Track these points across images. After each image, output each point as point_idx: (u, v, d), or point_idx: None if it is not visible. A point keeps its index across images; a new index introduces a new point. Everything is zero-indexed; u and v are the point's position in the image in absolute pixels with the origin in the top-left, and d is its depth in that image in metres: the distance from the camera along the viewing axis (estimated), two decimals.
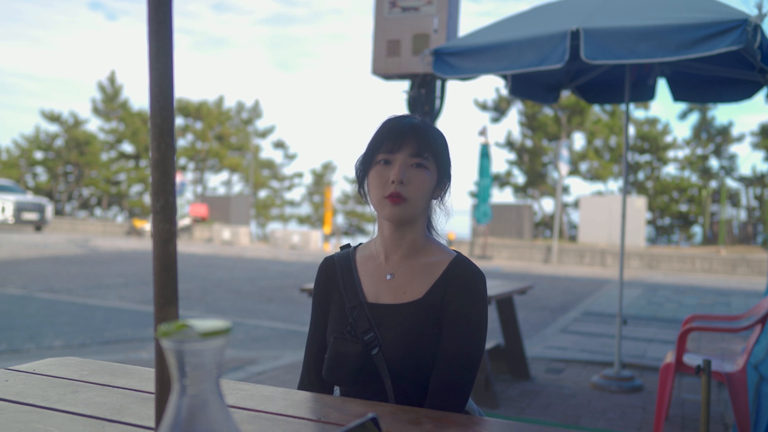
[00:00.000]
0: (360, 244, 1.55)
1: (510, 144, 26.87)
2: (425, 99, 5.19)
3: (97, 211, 34.86)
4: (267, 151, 68.92)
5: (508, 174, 27.37)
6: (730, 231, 22.12)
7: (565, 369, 4.93)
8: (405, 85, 5.32)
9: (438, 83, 5.25)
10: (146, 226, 23.57)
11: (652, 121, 26.60)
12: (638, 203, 19.70)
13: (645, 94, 5.10)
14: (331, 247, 21.07)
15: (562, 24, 3.66)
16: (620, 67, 4.54)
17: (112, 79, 33.57)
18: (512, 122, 57.41)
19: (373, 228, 1.51)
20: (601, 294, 10.49)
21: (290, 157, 36.18)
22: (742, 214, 25.35)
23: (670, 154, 26.67)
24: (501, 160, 45.29)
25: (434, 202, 1.47)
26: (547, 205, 33.22)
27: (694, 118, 26.22)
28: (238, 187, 35.18)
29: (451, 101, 76.71)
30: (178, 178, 22.63)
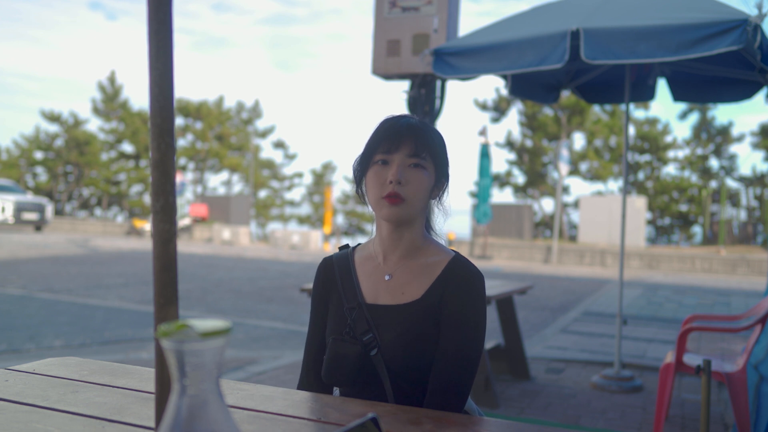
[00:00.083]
0: (358, 244, 1.54)
1: (510, 144, 26.87)
2: (425, 99, 5.19)
3: (97, 211, 34.88)
4: (267, 151, 68.96)
5: (508, 174, 27.37)
6: (730, 231, 22.12)
7: (565, 369, 4.94)
8: (405, 85, 5.32)
9: (438, 83, 5.25)
10: (146, 226, 23.58)
11: (652, 121, 26.61)
12: (638, 203, 19.70)
13: (645, 94, 5.10)
14: (331, 247, 21.06)
15: (562, 24, 3.66)
16: (620, 67, 4.54)
17: (112, 79, 33.59)
18: (512, 122, 57.48)
19: (371, 228, 1.50)
20: (601, 294, 10.49)
21: (290, 157, 36.20)
22: (742, 214, 25.36)
23: (670, 154, 26.70)
24: (501, 160, 45.33)
25: (432, 202, 1.47)
26: (547, 205, 33.26)
27: (694, 118, 26.25)
28: (238, 187, 35.21)
29: (451, 101, 76.77)
30: (178, 178, 22.64)
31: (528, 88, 4.92)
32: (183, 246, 18.68)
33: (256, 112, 35.04)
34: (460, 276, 1.38)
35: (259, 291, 9.50)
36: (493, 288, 4.13)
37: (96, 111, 33.39)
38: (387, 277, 1.42)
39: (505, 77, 4.71)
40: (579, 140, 27.38)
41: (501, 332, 4.59)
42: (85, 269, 11.44)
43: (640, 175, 26.52)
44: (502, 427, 1.21)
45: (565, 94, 19.61)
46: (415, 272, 1.41)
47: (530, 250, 18.02)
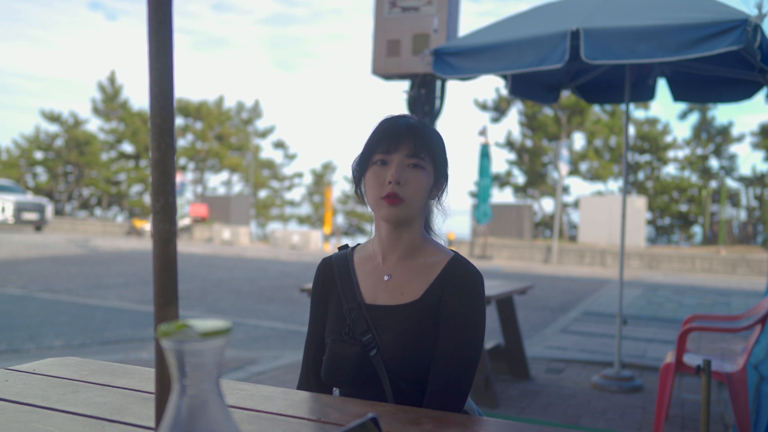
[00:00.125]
0: (358, 244, 1.54)
1: (510, 144, 26.87)
2: (425, 99, 5.19)
3: (97, 211, 34.88)
4: (267, 151, 68.98)
5: (508, 174, 27.37)
6: (730, 231, 22.12)
7: (565, 369, 4.94)
8: (405, 85, 5.32)
9: (438, 83, 5.25)
10: (146, 226, 23.58)
11: (652, 121, 26.61)
12: (638, 203, 19.71)
13: (645, 94, 5.10)
14: (331, 247, 21.07)
15: (562, 24, 3.66)
16: (620, 67, 4.54)
17: (112, 79, 33.59)
18: (512, 122, 57.48)
19: (371, 228, 1.50)
20: (601, 294, 10.49)
21: (290, 157, 36.20)
22: (742, 214, 25.37)
23: (670, 154, 26.70)
24: (501, 160, 45.34)
25: (431, 202, 1.47)
26: (547, 205, 33.27)
27: (694, 118, 26.25)
28: (238, 187, 35.21)
29: (451, 101, 76.75)
30: (178, 178, 22.64)
31: (528, 88, 4.92)
32: (183, 246, 18.68)
33: (256, 112, 35.05)
34: (459, 276, 1.38)
35: (259, 291, 9.50)
36: (493, 288, 4.13)
37: (96, 111, 33.39)
38: (386, 278, 1.42)
39: (505, 77, 4.71)
40: (579, 140, 27.43)
41: (501, 332, 4.59)
42: (85, 269, 11.44)
43: (640, 175, 26.52)
44: (502, 427, 1.21)
45: (565, 94, 19.61)
46: (414, 272, 1.41)
47: (530, 250, 18.02)
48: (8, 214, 21.32)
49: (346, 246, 1.54)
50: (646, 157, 26.54)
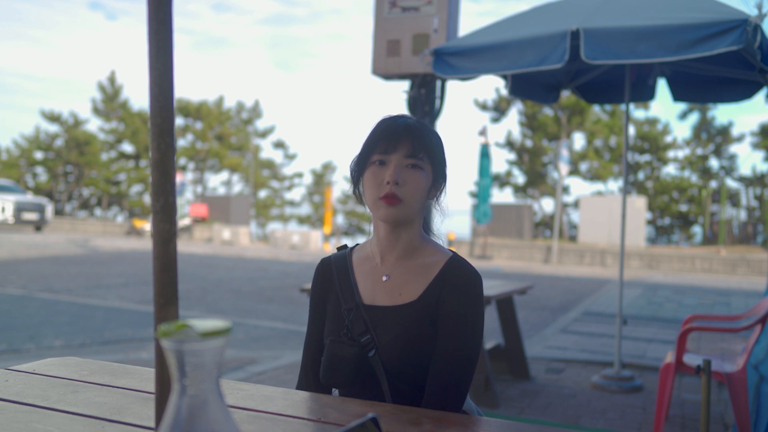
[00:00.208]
0: (356, 245, 1.54)
1: (510, 144, 26.87)
2: (425, 99, 5.19)
3: (97, 211, 34.88)
4: (267, 151, 68.96)
5: (508, 174, 27.37)
6: (730, 231, 22.13)
7: (565, 369, 4.94)
8: (405, 85, 5.32)
9: (438, 83, 5.25)
10: (146, 226, 23.58)
11: (652, 121, 26.61)
12: (638, 203, 19.71)
13: (645, 94, 5.10)
14: (331, 247, 21.06)
15: (562, 24, 3.67)
16: (620, 67, 4.55)
17: (112, 79, 33.59)
18: (512, 122, 57.48)
19: (370, 228, 1.50)
20: (601, 294, 10.49)
21: (290, 157, 36.21)
22: (742, 214, 25.37)
23: (670, 154, 26.70)
24: (501, 160, 45.33)
25: (430, 202, 1.47)
26: (547, 205, 33.27)
27: (694, 118, 26.25)
28: (238, 187, 35.21)
29: (451, 101, 76.79)
30: (178, 178, 22.64)
31: (528, 88, 4.92)
32: (183, 246, 18.68)
33: (256, 112, 35.05)
34: (457, 276, 1.37)
35: (259, 291, 9.50)
36: (493, 288, 4.12)
37: (96, 111, 33.39)
38: (384, 278, 1.42)
39: (505, 77, 4.71)
40: (579, 140, 27.42)
41: (501, 332, 4.59)
42: (85, 269, 11.44)
43: (640, 175, 26.52)
44: (502, 427, 1.21)
45: (565, 94, 19.61)
46: (412, 273, 1.41)
47: (530, 250, 18.02)
48: (8, 214, 21.32)
49: (345, 246, 1.54)
50: (646, 157, 26.54)
